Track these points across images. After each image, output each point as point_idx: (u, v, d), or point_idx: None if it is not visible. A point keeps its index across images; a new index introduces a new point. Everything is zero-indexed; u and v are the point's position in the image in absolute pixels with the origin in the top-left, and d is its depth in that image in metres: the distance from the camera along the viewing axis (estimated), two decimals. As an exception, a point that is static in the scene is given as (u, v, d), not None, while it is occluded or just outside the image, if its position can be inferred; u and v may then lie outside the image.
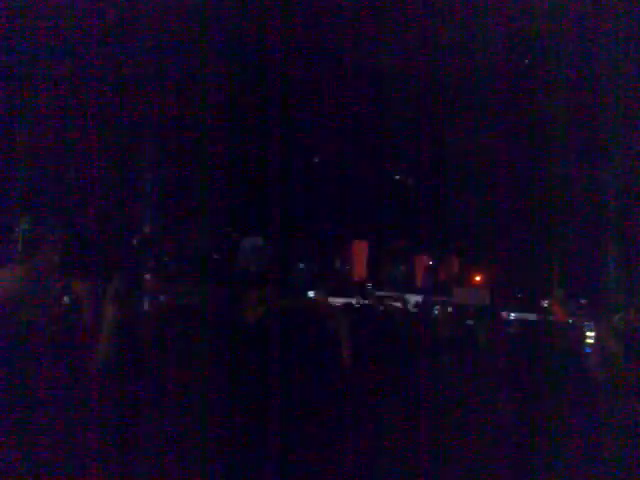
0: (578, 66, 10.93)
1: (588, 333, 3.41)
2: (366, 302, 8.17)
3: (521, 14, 10.51)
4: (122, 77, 9.57)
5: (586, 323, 3.95)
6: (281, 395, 2.76)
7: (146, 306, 3.53)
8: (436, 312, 5.48)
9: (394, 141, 12.83)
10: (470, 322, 4.26)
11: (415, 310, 6.36)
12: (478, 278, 15.99)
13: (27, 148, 9.41)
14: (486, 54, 10.65)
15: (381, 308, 5.45)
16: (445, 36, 10.56)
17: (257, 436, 2.71)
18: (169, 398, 2.72)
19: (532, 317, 6.49)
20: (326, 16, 10.38)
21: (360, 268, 15.83)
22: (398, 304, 6.26)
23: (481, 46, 10.40)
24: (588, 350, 3.15)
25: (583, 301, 10.55)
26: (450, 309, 5.67)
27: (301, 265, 14.75)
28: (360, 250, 15.91)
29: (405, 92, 11.39)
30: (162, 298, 3.62)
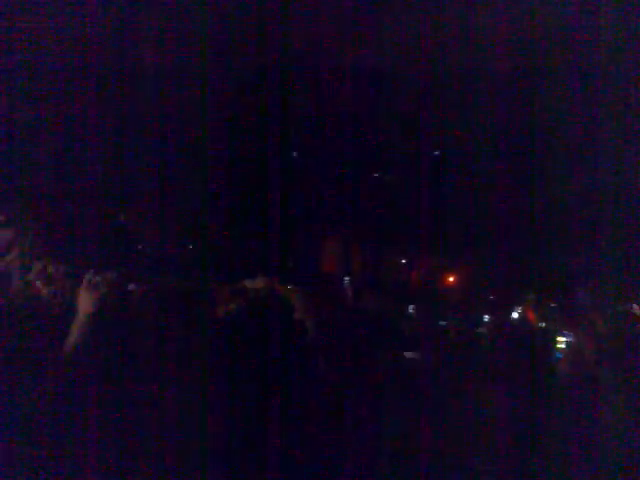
0: (576, 71, 11.04)
1: (559, 338, 3.45)
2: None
3: (520, 15, 10.57)
4: (114, 71, 9.48)
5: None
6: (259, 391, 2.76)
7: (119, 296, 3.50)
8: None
9: (370, 140, 12.88)
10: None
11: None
12: (451, 279, 16.15)
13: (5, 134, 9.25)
14: (480, 59, 10.72)
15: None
16: (440, 37, 10.59)
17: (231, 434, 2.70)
18: (137, 392, 2.69)
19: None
20: (315, 19, 10.35)
21: (331, 262, 15.88)
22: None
23: (477, 49, 10.46)
24: (559, 355, 3.19)
25: (553, 305, 10.66)
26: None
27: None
28: (332, 245, 15.97)
29: (387, 97, 11.45)
30: (132, 287, 3.60)
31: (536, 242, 14.14)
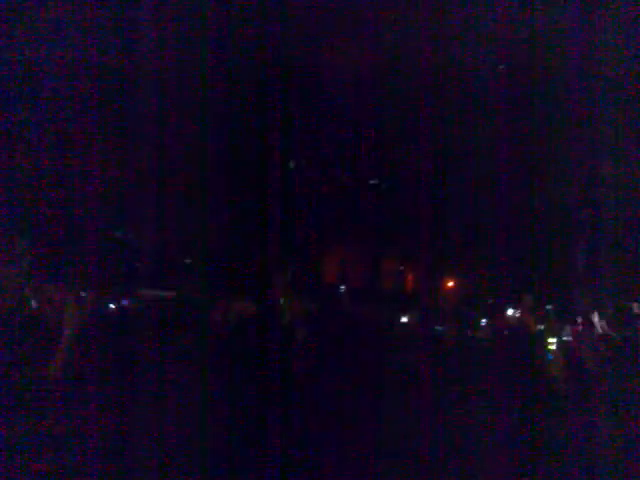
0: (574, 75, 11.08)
1: (550, 340, 3.46)
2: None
3: (519, 16, 10.62)
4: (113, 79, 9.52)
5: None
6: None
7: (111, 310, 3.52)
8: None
9: (373, 147, 12.92)
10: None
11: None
12: (449, 284, 16.13)
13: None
14: (481, 60, 10.76)
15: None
16: (438, 39, 10.63)
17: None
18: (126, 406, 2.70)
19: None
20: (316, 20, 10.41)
21: (334, 272, 15.85)
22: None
23: (479, 50, 10.50)
24: (550, 357, 3.19)
25: (549, 307, 10.66)
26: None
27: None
28: (335, 255, 15.94)
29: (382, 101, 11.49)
30: (126, 302, 3.61)
31: (533, 244, 14.16)
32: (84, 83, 9.26)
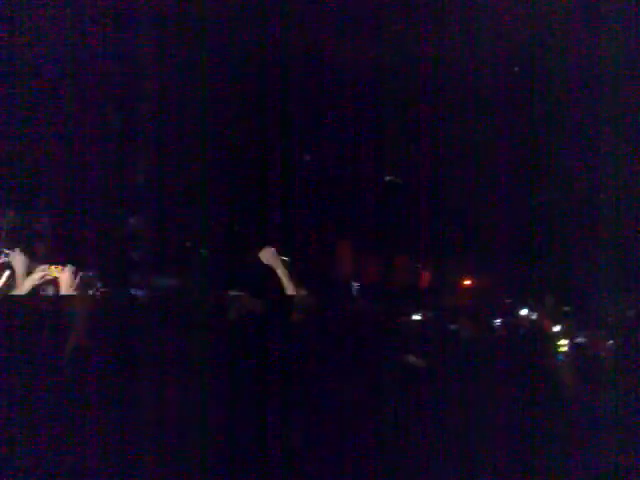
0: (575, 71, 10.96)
1: (562, 341, 3.41)
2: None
3: (520, 14, 10.53)
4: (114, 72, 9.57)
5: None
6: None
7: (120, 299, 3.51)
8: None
9: (380, 141, 12.85)
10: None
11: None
12: (465, 282, 16.00)
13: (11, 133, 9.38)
14: (481, 58, 10.68)
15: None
16: (439, 37, 10.58)
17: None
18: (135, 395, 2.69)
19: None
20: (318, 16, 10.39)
21: (345, 268, 15.82)
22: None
23: (481, 50, 10.42)
24: (560, 358, 3.15)
25: (567, 308, 10.53)
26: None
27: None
28: (344, 250, 15.90)
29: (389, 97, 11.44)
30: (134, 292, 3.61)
31: (554, 244, 14.00)
32: (84, 77, 9.34)
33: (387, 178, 15.01)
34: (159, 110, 10.46)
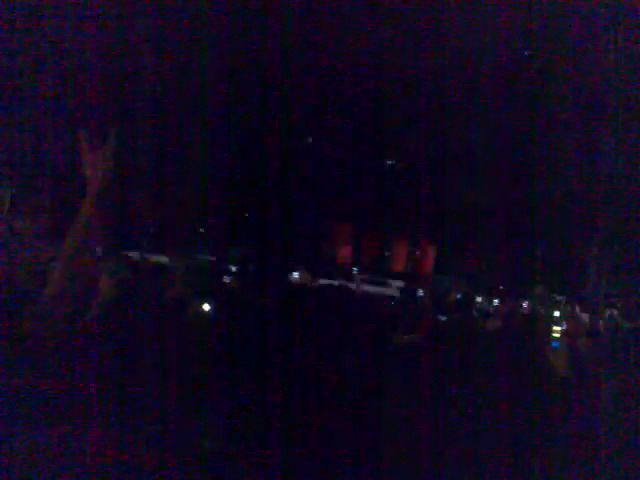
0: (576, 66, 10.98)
1: (555, 327, 3.47)
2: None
3: (521, 9, 10.52)
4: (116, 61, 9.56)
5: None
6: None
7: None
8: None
9: (382, 127, 12.89)
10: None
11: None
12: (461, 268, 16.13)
13: (17, 107, 9.37)
14: (482, 52, 10.68)
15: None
16: (443, 29, 10.59)
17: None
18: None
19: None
20: (322, 10, 10.37)
21: (343, 250, 15.92)
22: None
23: (478, 43, 10.43)
24: (555, 344, 3.20)
25: (560, 297, 10.67)
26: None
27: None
28: (343, 233, 15.99)
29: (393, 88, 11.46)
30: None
31: (548, 233, 14.10)
32: (89, 70, 9.33)
33: (389, 162, 15.08)
34: (162, 110, 10.46)
